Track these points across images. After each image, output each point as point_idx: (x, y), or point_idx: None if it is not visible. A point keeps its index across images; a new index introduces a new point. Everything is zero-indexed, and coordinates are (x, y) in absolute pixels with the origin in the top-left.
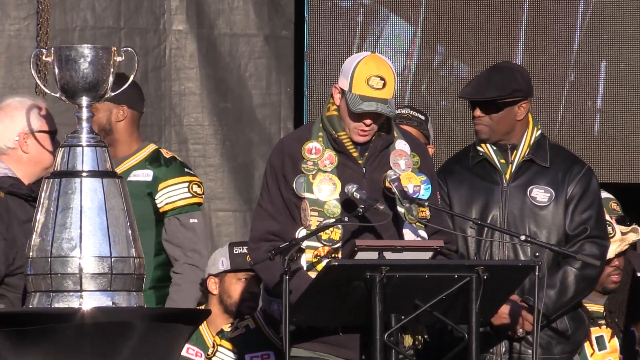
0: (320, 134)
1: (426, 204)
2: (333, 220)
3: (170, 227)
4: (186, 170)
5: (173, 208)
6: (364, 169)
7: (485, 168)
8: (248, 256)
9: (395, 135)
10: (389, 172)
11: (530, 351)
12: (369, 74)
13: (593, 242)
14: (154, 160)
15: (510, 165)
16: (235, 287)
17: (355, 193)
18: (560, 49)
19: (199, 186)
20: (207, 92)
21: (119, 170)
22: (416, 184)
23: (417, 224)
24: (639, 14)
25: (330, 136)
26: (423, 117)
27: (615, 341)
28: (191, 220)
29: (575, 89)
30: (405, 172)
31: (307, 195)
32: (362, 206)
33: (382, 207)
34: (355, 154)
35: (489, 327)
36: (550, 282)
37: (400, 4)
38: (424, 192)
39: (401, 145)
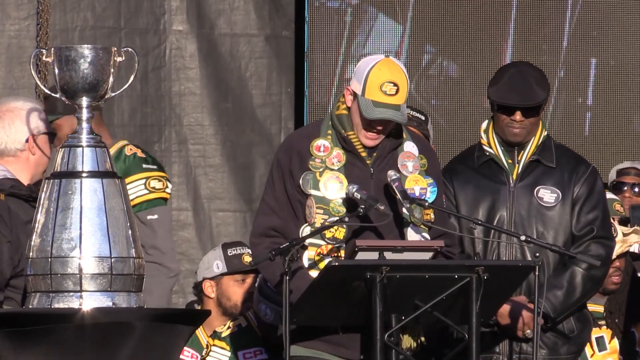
0: (329, 131)
1: (427, 204)
2: (337, 218)
3: None
4: (145, 166)
5: (133, 206)
6: (372, 169)
7: (492, 168)
8: (244, 255)
9: (405, 137)
10: (390, 172)
11: None
12: (382, 80)
13: (599, 242)
14: (116, 159)
15: (517, 165)
16: (234, 289)
17: (355, 193)
18: (549, 46)
19: (159, 180)
20: (208, 92)
21: None
22: (422, 187)
23: (422, 226)
24: (628, 9)
25: (340, 135)
26: (423, 118)
27: (616, 342)
28: (149, 217)
29: (565, 87)
30: (412, 174)
31: (313, 192)
32: (363, 206)
33: (382, 208)
34: (363, 154)
35: (496, 327)
36: (557, 283)
37: (388, 3)
38: (430, 195)
39: (410, 147)
